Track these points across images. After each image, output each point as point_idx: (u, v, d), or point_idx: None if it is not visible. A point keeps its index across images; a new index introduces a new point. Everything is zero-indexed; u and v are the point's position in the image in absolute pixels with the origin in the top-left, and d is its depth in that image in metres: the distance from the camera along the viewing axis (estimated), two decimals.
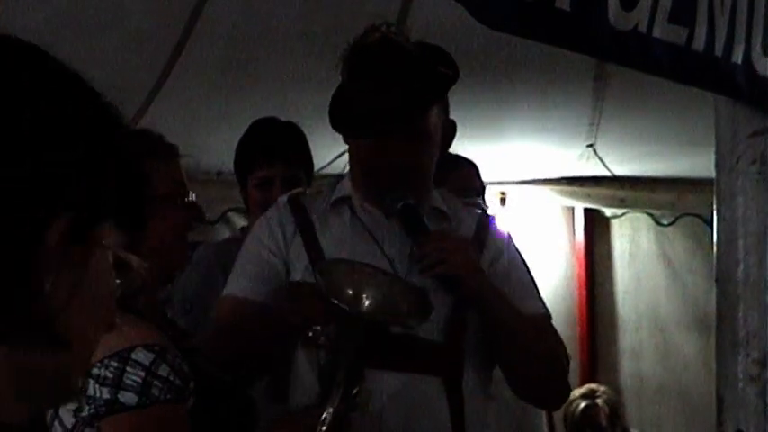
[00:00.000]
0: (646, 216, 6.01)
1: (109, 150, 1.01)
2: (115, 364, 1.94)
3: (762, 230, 2.29)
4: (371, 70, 2.50)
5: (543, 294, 2.68)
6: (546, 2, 1.81)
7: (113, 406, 1.93)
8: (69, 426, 1.96)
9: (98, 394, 1.94)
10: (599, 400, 5.49)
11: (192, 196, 2.30)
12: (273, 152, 3.29)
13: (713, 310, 2.39)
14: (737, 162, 2.31)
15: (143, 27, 3.94)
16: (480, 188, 3.81)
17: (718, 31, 2.08)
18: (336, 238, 2.54)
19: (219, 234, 5.09)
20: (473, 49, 4.04)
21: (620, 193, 5.80)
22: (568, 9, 1.83)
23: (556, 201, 5.90)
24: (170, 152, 2.27)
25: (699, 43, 2.05)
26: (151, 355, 1.96)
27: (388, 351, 2.42)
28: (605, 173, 5.60)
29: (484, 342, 2.53)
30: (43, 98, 0.98)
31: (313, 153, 3.49)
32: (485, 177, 5.48)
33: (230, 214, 5.39)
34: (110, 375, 1.93)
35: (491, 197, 5.40)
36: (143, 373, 1.94)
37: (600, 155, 5.31)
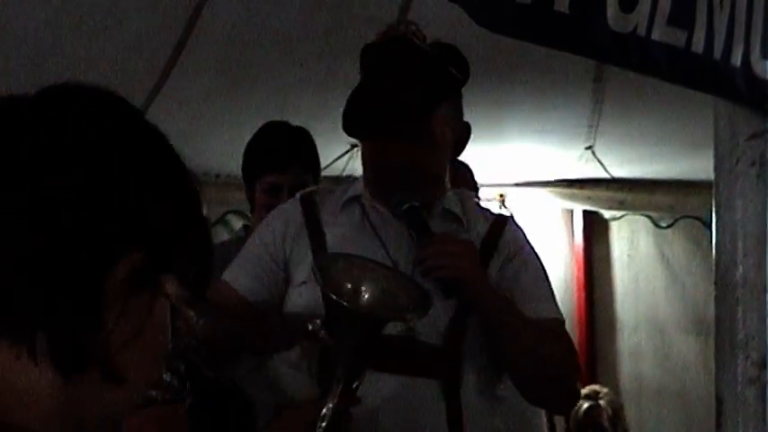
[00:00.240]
0: (645, 218, 6.01)
1: (185, 202, 1.05)
2: None
3: (761, 232, 2.29)
4: (379, 69, 2.51)
5: None
6: (545, 4, 1.81)
7: None
8: None
9: None
10: (602, 402, 5.49)
11: None
12: (284, 158, 3.29)
13: (712, 312, 2.39)
14: (736, 164, 2.31)
15: (142, 28, 3.94)
16: (474, 189, 3.81)
17: (717, 34, 2.08)
18: (342, 237, 2.54)
19: (218, 236, 5.08)
20: (472, 51, 4.04)
21: (619, 196, 5.81)
22: (567, 11, 1.83)
23: (555, 203, 5.90)
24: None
25: (698, 46, 2.05)
26: None
27: (386, 353, 2.41)
28: (604, 175, 5.60)
29: (487, 345, 2.52)
30: (131, 146, 1.02)
31: None
32: (484, 179, 5.50)
33: (229, 216, 5.39)
34: None
35: (490, 199, 5.41)
36: None
37: (599, 157, 5.32)
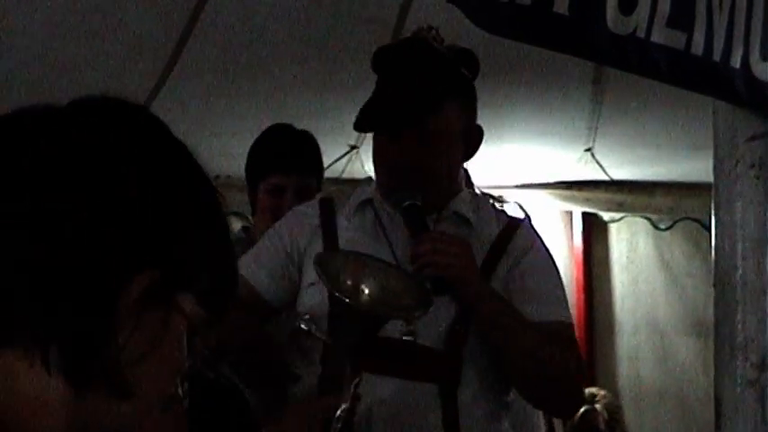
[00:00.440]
0: (644, 220, 6.01)
1: (208, 220, 1.04)
2: None
3: (760, 235, 2.29)
4: (386, 68, 2.52)
5: None
6: (544, 5, 1.80)
7: None
8: None
9: None
10: (598, 405, 5.49)
11: None
12: (288, 161, 3.30)
13: (711, 314, 2.38)
14: (736, 166, 2.31)
15: (142, 29, 3.94)
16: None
17: (716, 36, 2.08)
18: (353, 240, 2.54)
19: None
20: None
21: (619, 197, 5.81)
22: (567, 13, 1.83)
23: (554, 205, 5.90)
24: None
25: (697, 47, 2.05)
26: None
27: (384, 356, 2.41)
28: (603, 177, 5.60)
29: (489, 349, 2.51)
30: (146, 161, 1.01)
31: None
32: (483, 181, 5.49)
33: (228, 218, 5.38)
34: None
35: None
36: None
37: (598, 159, 5.32)
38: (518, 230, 2.59)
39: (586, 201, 5.86)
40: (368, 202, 2.60)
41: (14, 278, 0.94)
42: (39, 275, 0.94)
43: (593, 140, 5.12)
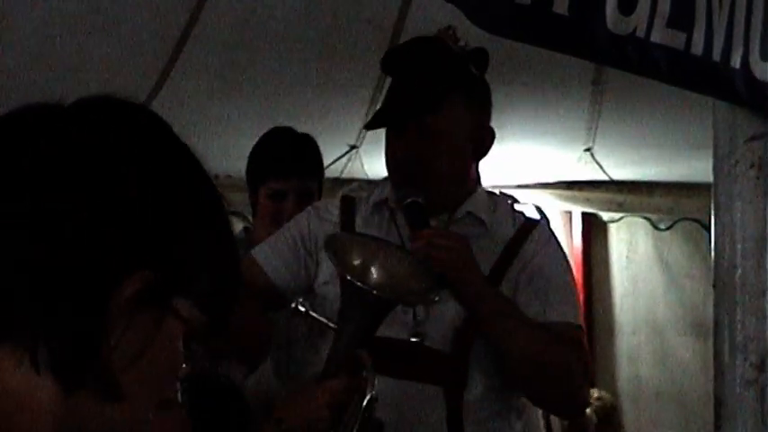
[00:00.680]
0: (643, 220, 6.01)
1: (206, 221, 1.02)
2: None
3: (760, 235, 2.29)
4: (398, 66, 2.55)
5: None
6: (543, 5, 1.80)
7: None
8: None
9: None
10: (588, 409, 5.45)
11: None
12: (289, 165, 3.29)
13: (711, 314, 2.38)
14: (735, 166, 2.31)
15: (142, 29, 3.94)
16: None
17: (716, 36, 2.08)
18: None
19: None
20: None
21: (618, 198, 5.80)
22: (566, 13, 1.83)
23: (554, 205, 5.90)
24: None
25: (697, 48, 2.05)
26: None
27: (391, 357, 2.41)
28: (603, 177, 5.60)
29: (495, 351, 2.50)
30: (146, 162, 0.99)
31: None
32: (483, 181, 5.49)
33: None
34: None
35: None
36: None
37: (598, 159, 5.31)
38: (533, 232, 2.58)
39: (586, 201, 5.86)
40: (384, 201, 2.60)
41: (7, 276, 0.93)
42: (31, 274, 0.93)
43: (593, 140, 5.12)
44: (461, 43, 2.52)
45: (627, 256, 6.15)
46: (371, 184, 2.68)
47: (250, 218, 3.83)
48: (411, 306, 2.43)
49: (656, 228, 6.00)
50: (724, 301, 2.32)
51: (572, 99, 4.69)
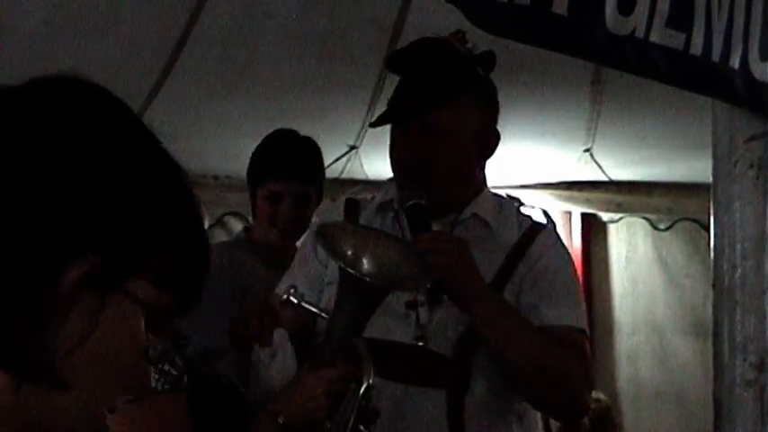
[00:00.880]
0: (643, 220, 6.01)
1: (160, 195, 0.99)
2: None
3: (759, 235, 2.29)
4: (403, 65, 2.55)
5: None
6: (543, 5, 1.80)
7: None
8: None
9: None
10: None
11: None
12: (289, 167, 3.29)
13: (710, 314, 2.38)
14: (735, 166, 2.31)
15: (141, 29, 3.94)
16: None
17: (715, 36, 2.08)
18: None
19: (215, 238, 5.08)
20: None
21: (618, 198, 5.81)
22: (565, 13, 1.83)
23: (553, 205, 5.90)
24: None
25: (696, 48, 2.05)
26: None
27: (393, 360, 2.40)
28: (602, 177, 5.60)
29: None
30: (87, 137, 0.96)
31: None
32: None
33: (227, 218, 5.39)
34: None
35: None
36: None
37: (597, 159, 5.31)
38: (538, 236, 2.57)
39: (585, 201, 5.86)
40: (389, 203, 2.60)
41: None
42: None
43: (593, 141, 5.12)
44: (469, 45, 2.52)
45: (626, 257, 6.15)
46: (371, 185, 2.68)
47: (249, 218, 3.83)
48: (404, 291, 2.42)
49: (655, 228, 6.00)
50: (723, 302, 2.32)
51: (571, 99, 4.70)
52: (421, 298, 2.48)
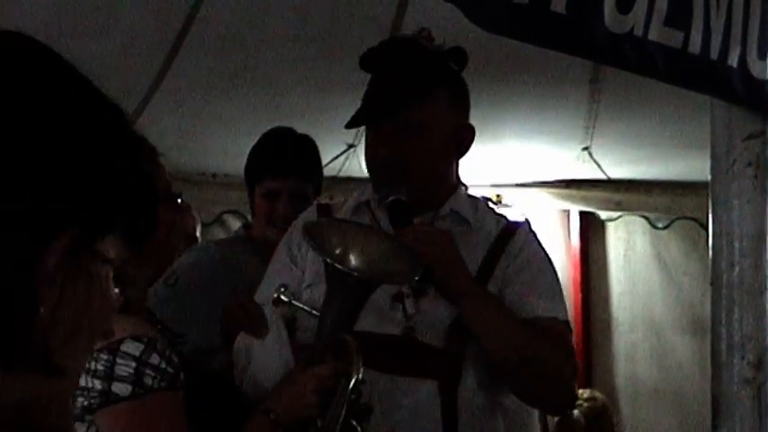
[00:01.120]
0: (641, 219, 6.01)
1: (117, 158, 0.98)
2: (105, 356, 1.94)
3: (757, 233, 2.29)
4: (375, 65, 2.54)
5: None
6: (542, 4, 1.81)
7: (107, 397, 1.93)
8: None
9: (91, 385, 1.93)
10: (576, 411, 5.41)
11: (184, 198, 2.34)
12: (285, 165, 3.30)
13: (708, 312, 2.39)
14: (733, 165, 2.31)
15: (139, 28, 3.94)
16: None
17: (713, 35, 2.08)
18: None
19: (214, 236, 5.08)
20: (469, 51, 4.03)
21: (616, 196, 5.81)
22: (564, 12, 1.83)
23: (552, 203, 5.90)
24: (155, 154, 2.29)
25: (695, 46, 2.05)
26: (141, 346, 1.96)
27: (384, 352, 2.41)
28: (601, 175, 5.61)
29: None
30: (48, 106, 0.95)
31: None
32: (481, 179, 5.49)
33: (225, 216, 5.39)
34: (101, 368, 1.93)
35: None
36: (134, 364, 1.94)
37: (595, 157, 5.32)
38: (517, 231, 2.60)
39: (584, 199, 5.86)
40: (365, 204, 2.61)
41: None
42: None
43: (591, 139, 5.12)
44: (437, 43, 2.54)
45: (624, 255, 6.15)
46: (369, 183, 2.68)
47: (248, 216, 3.84)
48: (393, 284, 2.43)
49: (653, 226, 6.00)
50: (721, 300, 2.32)
51: (570, 98, 4.70)
52: (407, 290, 2.49)
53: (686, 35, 2.04)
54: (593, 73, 4.48)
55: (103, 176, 0.96)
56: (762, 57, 2.18)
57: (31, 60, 0.98)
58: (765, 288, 2.29)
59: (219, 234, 5.17)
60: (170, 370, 1.99)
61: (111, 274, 0.99)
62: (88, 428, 1.96)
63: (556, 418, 5.20)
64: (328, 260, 2.27)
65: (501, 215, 2.68)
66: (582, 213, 6.11)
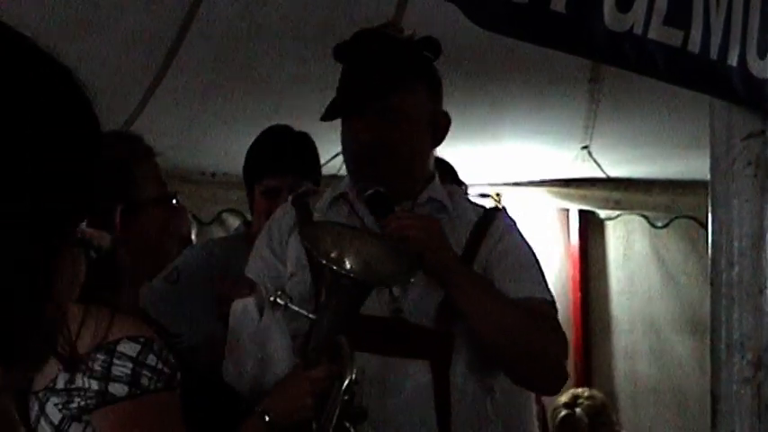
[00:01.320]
0: (640, 218, 6.01)
1: (98, 152, 0.99)
2: (102, 356, 1.93)
3: (756, 232, 2.29)
4: (350, 57, 2.56)
5: None
6: (541, 3, 1.81)
7: (104, 398, 1.93)
8: (56, 422, 1.96)
9: (87, 386, 1.93)
10: (578, 409, 5.42)
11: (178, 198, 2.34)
12: (284, 163, 3.30)
13: (707, 312, 2.39)
14: (732, 164, 2.31)
15: (138, 27, 3.94)
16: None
17: (713, 34, 2.08)
18: None
19: (213, 235, 5.08)
20: (468, 50, 4.03)
21: (615, 195, 5.81)
22: (564, 11, 1.83)
23: (551, 202, 5.90)
24: (151, 153, 2.30)
25: (694, 45, 2.05)
26: (137, 346, 1.96)
27: (373, 334, 2.42)
28: (600, 174, 5.61)
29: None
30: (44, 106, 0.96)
31: None
32: (480, 178, 5.49)
33: (225, 215, 5.39)
34: (98, 368, 1.93)
35: (486, 199, 5.40)
36: (131, 364, 1.94)
37: (595, 157, 5.32)
38: (496, 215, 2.65)
39: (583, 198, 5.87)
40: (343, 195, 2.62)
41: None
42: None
43: (590, 138, 5.12)
44: (407, 33, 2.56)
45: (624, 254, 6.15)
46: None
47: (248, 215, 3.84)
48: (388, 287, 2.45)
49: (652, 225, 6.00)
50: (721, 299, 2.32)
51: (569, 97, 4.70)
52: None
53: (686, 34, 2.04)
54: (593, 72, 4.48)
55: (93, 174, 0.97)
56: (762, 56, 2.18)
57: (24, 56, 0.99)
58: (765, 287, 2.29)
59: (219, 233, 5.16)
60: (167, 370, 1.98)
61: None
62: (85, 429, 1.96)
63: (557, 419, 5.22)
64: (324, 262, 2.28)
65: (476, 203, 2.74)
66: (581, 212, 6.11)
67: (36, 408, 1.97)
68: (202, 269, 3.23)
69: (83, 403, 1.94)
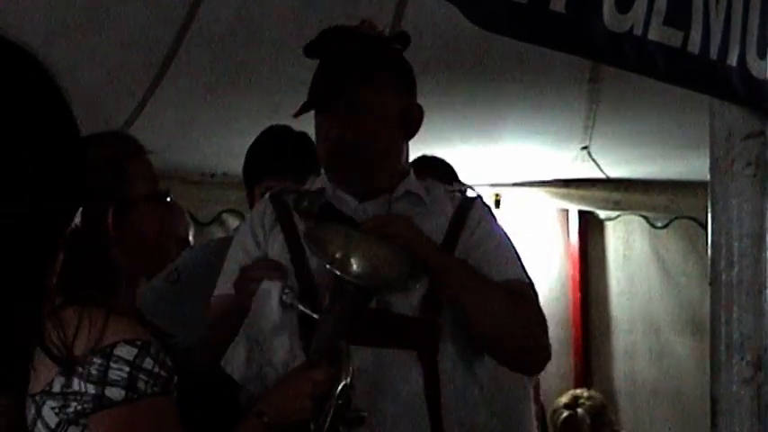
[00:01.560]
0: (640, 218, 6.01)
1: (86, 152, 1.02)
2: (98, 360, 1.93)
3: (756, 233, 2.29)
4: (318, 53, 2.59)
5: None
6: (541, 3, 1.81)
7: (100, 402, 1.92)
8: (53, 425, 1.95)
9: (84, 390, 1.93)
10: (580, 410, 5.43)
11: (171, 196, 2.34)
12: (285, 163, 3.30)
13: (707, 312, 2.39)
14: (732, 164, 2.31)
15: (138, 29, 3.94)
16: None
17: (713, 34, 2.08)
18: (311, 228, 2.57)
19: (213, 235, 5.08)
20: (468, 51, 4.04)
21: (615, 196, 5.81)
22: (563, 11, 1.83)
23: (550, 203, 5.90)
24: (143, 151, 2.30)
25: (694, 45, 2.05)
26: (134, 350, 1.95)
27: (360, 326, 2.43)
28: (600, 175, 5.61)
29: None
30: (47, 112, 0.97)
31: None
32: (480, 179, 5.49)
33: (224, 215, 5.39)
34: (94, 372, 1.92)
35: (486, 199, 5.40)
36: (127, 368, 1.93)
37: (594, 157, 5.32)
38: (473, 204, 2.67)
39: (582, 199, 5.86)
40: (321, 191, 2.63)
41: None
42: None
43: (590, 138, 5.12)
44: (379, 30, 2.58)
45: (623, 254, 6.15)
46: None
47: (247, 216, 3.84)
48: (391, 293, 2.45)
49: (652, 226, 6.00)
50: (720, 299, 2.32)
51: (569, 97, 4.70)
52: None
53: (686, 34, 2.04)
54: (593, 73, 4.48)
55: (84, 173, 0.99)
56: (761, 56, 2.18)
57: (18, 60, 0.99)
58: (764, 287, 2.29)
59: (219, 233, 5.16)
60: (163, 374, 1.98)
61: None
62: None
63: (559, 420, 5.22)
64: (328, 266, 2.28)
65: (453, 191, 2.74)
66: (581, 213, 6.11)
67: (33, 411, 1.96)
68: (202, 269, 3.23)
69: (79, 407, 1.93)
